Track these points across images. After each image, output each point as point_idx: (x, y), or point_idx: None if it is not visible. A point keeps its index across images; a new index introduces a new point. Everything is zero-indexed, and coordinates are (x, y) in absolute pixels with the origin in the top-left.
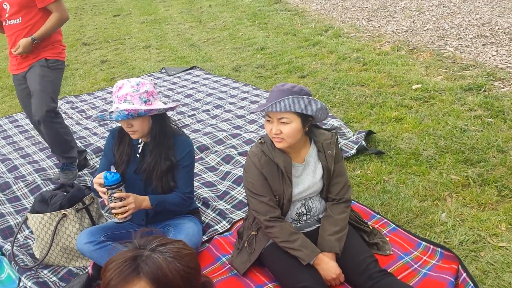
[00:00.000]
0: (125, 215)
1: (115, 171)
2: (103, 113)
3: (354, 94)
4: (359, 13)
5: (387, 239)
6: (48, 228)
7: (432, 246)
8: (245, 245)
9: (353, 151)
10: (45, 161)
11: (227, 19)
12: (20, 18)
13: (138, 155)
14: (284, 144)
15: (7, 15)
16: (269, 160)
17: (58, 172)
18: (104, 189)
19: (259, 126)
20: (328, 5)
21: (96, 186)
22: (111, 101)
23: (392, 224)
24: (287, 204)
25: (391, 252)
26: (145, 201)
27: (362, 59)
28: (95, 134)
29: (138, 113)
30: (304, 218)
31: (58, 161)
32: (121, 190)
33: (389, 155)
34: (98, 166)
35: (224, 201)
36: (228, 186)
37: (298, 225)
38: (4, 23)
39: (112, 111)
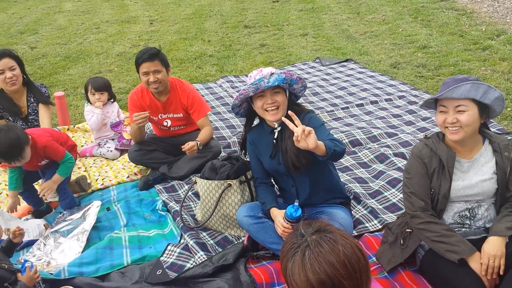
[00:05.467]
0: None
1: (297, 205)
2: (261, 77)
3: None
4: None
5: None
6: (214, 194)
7: None
8: (398, 238)
9: None
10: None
11: (387, 13)
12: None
13: (274, 140)
14: (460, 135)
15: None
16: (432, 152)
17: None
18: (286, 225)
19: (417, 129)
20: (501, 8)
21: (279, 220)
22: None
23: None
24: (442, 200)
25: None
26: None
27: None
28: None
29: (291, 80)
30: (468, 222)
31: None
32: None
33: None
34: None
35: (376, 200)
36: (381, 185)
37: (462, 229)
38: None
39: (273, 73)
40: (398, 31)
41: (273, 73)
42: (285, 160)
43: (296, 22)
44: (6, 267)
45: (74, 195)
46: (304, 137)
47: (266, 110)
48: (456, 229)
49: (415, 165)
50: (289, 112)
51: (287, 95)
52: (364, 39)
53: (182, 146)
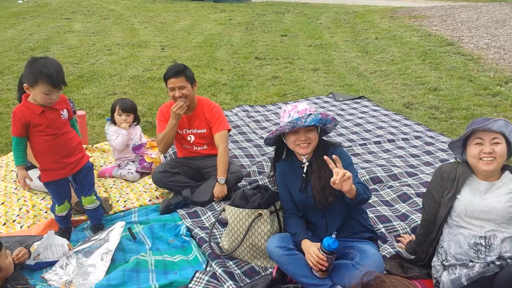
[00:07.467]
0: (327, 274)
1: (334, 237)
2: (299, 116)
3: None
4: None
5: None
6: (243, 222)
7: None
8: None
9: None
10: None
11: (395, 54)
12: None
13: (303, 174)
14: (493, 166)
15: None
16: (453, 169)
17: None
18: (321, 256)
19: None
20: (507, 56)
21: (313, 251)
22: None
23: None
24: (443, 208)
25: None
26: None
27: None
28: None
29: (326, 120)
30: (483, 250)
31: None
32: (334, 257)
33: None
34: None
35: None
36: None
37: (476, 264)
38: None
39: (310, 114)
40: (407, 72)
41: (310, 114)
42: (314, 194)
43: (306, 56)
44: (20, 287)
45: None
46: (342, 181)
47: (298, 145)
48: (469, 263)
49: (436, 180)
50: (334, 156)
51: (318, 131)
52: (374, 78)
53: (214, 198)
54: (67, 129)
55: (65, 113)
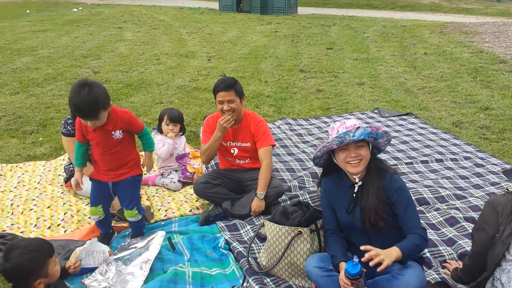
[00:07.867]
0: None
1: (357, 261)
2: (346, 131)
3: None
4: None
5: None
6: (283, 240)
7: None
8: None
9: None
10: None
11: (444, 70)
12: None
13: (354, 194)
14: None
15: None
16: (507, 202)
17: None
18: (346, 281)
19: (486, 194)
20: None
21: (341, 275)
22: (326, 131)
23: None
24: (500, 245)
25: None
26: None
27: None
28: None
29: (377, 134)
30: None
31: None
32: (360, 281)
33: None
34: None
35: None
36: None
37: None
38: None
39: (359, 127)
40: (457, 89)
41: (358, 127)
42: (363, 217)
43: (351, 70)
44: None
45: None
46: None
47: (348, 163)
48: None
49: (489, 213)
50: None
51: (370, 148)
52: (422, 94)
53: (251, 212)
54: (117, 149)
55: (117, 133)
